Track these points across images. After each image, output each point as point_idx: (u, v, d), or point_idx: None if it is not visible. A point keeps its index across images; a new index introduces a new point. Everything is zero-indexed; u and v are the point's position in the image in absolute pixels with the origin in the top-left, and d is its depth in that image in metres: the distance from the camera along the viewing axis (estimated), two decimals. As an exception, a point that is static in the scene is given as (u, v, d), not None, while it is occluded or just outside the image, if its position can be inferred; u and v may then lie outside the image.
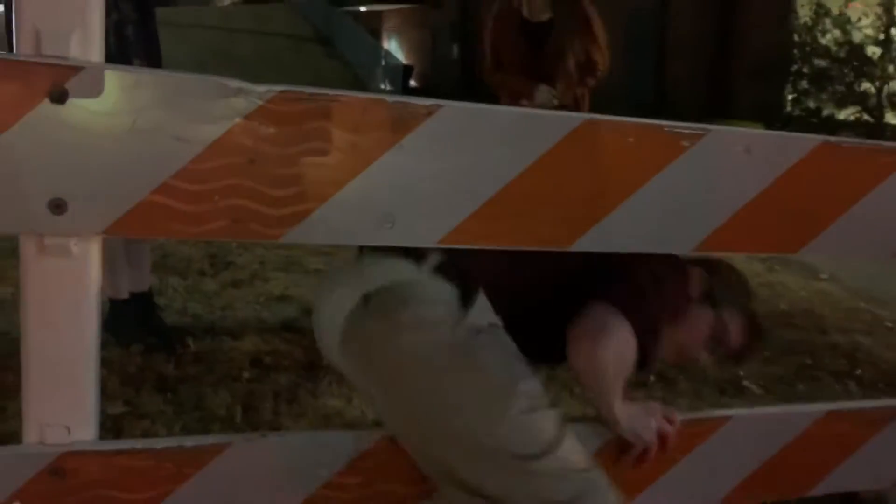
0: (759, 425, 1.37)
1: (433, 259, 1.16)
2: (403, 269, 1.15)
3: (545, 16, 3.42)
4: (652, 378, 2.65)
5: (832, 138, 1.22)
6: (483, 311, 1.15)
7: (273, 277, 3.62)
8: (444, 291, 1.14)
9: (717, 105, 12.70)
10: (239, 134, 0.93)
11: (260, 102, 0.93)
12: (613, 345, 1.13)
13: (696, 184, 1.15)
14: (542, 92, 3.34)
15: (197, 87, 0.92)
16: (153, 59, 2.55)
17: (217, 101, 0.91)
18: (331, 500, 1.08)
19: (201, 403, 2.23)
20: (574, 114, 1.08)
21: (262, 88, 0.93)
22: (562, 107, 3.37)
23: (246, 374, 2.45)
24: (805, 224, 1.25)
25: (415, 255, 1.15)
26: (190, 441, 1.06)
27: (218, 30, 22.84)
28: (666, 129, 1.12)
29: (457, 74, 19.28)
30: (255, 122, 0.93)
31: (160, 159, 0.91)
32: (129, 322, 2.57)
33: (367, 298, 1.12)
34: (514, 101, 3.44)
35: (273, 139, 0.94)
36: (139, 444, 1.06)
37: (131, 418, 2.10)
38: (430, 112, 1.02)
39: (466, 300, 1.14)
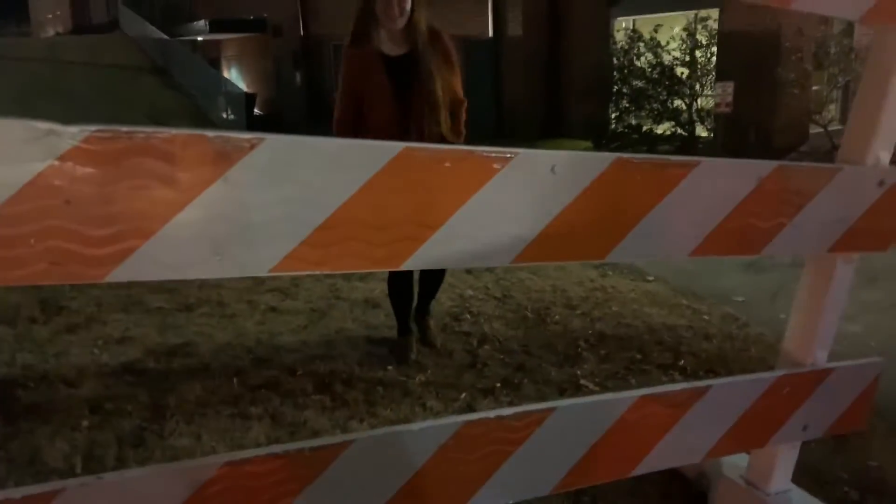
0: (581, 414, 1.49)
1: None
2: None
3: (403, 50, 2.92)
4: (498, 384, 2.80)
5: (625, 155, 1.38)
6: None
7: (111, 319, 3.45)
8: None
9: (551, 125, 13.52)
10: (53, 175, 0.92)
11: (74, 143, 0.93)
12: None
13: (508, 202, 1.26)
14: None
15: (3, 131, 0.90)
16: None
17: (26, 144, 0.90)
18: (174, 533, 1.08)
19: (36, 457, 2.10)
20: (391, 143, 1.16)
21: (74, 129, 0.93)
22: None
23: (85, 423, 2.33)
24: (608, 232, 1.39)
25: None
26: (18, 493, 1.01)
27: (46, 62, 21.47)
28: (479, 153, 1.23)
29: (301, 100, 19.36)
30: (69, 163, 0.93)
31: (-32, 205, 0.89)
32: (-54, 380, 2.38)
33: None
34: None
35: (90, 179, 0.94)
36: (-39, 504, 1.00)
37: (-45, 483, 1.94)
38: (253, 145, 1.05)
39: None
